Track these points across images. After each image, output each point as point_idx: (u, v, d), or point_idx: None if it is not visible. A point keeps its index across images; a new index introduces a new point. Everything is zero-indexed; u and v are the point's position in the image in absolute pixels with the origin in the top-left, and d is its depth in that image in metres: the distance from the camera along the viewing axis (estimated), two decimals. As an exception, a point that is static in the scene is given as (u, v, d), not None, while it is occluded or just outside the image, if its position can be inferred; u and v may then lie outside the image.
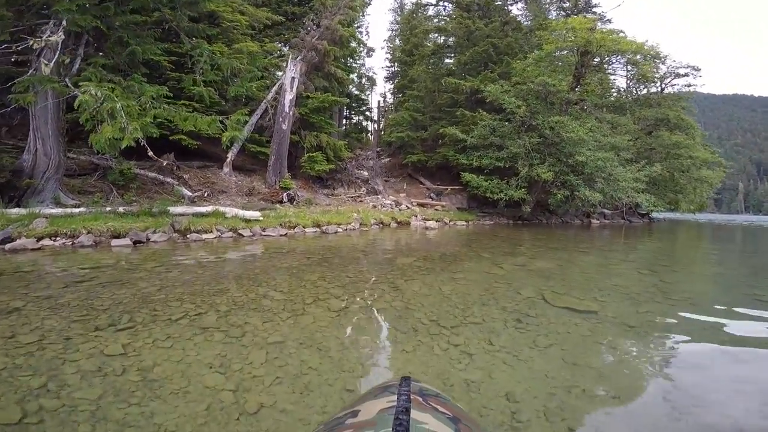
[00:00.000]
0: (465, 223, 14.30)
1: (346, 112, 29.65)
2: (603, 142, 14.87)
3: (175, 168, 12.96)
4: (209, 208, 10.08)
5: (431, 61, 23.95)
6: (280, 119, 14.09)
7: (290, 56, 15.18)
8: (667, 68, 22.94)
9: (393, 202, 15.20)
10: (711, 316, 4.08)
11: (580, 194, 13.70)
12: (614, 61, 19.36)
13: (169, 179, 11.95)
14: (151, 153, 7.95)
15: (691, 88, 23.93)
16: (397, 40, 33.80)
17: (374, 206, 14.66)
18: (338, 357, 2.77)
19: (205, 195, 12.31)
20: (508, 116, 15.18)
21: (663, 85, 24.43)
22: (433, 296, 4.35)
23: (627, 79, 24.88)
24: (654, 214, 26.98)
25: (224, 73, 10.96)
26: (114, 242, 7.81)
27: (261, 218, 10.21)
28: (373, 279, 5.16)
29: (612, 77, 24.27)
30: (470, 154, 15.25)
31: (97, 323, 3.43)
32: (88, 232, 7.99)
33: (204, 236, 8.87)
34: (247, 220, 9.98)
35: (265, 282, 4.85)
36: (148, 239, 8.35)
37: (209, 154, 15.71)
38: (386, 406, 0.49)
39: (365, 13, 32.97)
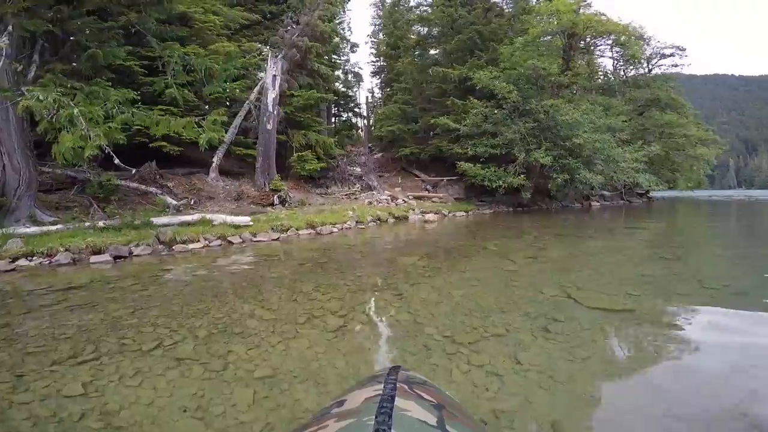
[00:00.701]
0: (464, 213, 13.81)
1: (334, 110, 28.96)
2: (598, 124, 14.43)
3: (158, 176, 12.33)
4: (195, 217, 9.50)
5: (416, 52, 23.33)
6: (265, 119, 13.47)
7: (270, 54, 14.52)
8: (653, 49, 22.56)
9: (389, 197, 14.67)
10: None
11: (581, 177, 13.26)
12: (600, 43, 18.87)
13: (152, 189, 11.31)
14: (117, 161, 7.38)
15: (678, 68, 23.60)
16: (381, 35, 33.05)
17: (370, 203, 14.12)
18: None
19: (192, 202, 11.70)
20: (500, 102, 14.66)
21: (650, 66, 24.06)
22: (443, 304, 3.83)
23: (614, 61, 24.46)
24: (652, 193, 26.68)
25: (199, 73, 10.32)
26: (93, 259, 7.26)
27: (251, 223, 9.64)
28: (374, 285, 4.64)
29: (599, 60, 23.86)
30: (464, 143, 14.73)
31: (56, 356, 2.93)
32: (66, 250, 7.44)
33: (191, 246, 8.30)
34: (237, 226, 9.41)
35: (251, 297, 4.32)
36: (130, 253, 7.81)
37: (195, 160, 15.06)
38: (372, 395, 0.49)
39: (346, 9, 32.21)
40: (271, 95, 13.56)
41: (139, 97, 8.76)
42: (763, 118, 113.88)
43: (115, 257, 7.41)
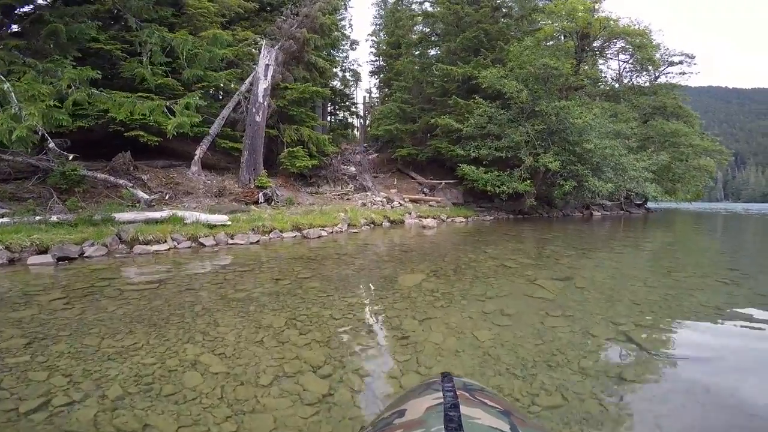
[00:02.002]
0: (464, 219, 12.71)
1: (330, 108, 27.83)
2: (608, 129, 13.46)
3: (132, 168, 11.05)
4: (165, 213, 8.26)
5: (418, 50, 22.32)
6: (254, 110, 12.26)
7: (264, 42, 13.34)
8: (661, 56, 21.72)
9: (384, 199, 13.52)
10: None
11: (590, 185, 12.24)
12: (612, 46, 17.96)
13: (121, 181, 10.04)
14: (52, 144, 6.16)
15: (686, 77, 22.78)
16: (382, 34, 32.02)
17: (363, 204, 12.96)
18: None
19: (167, 197, 10.44)
20: (508, 102, 13.61)
21: (657, 74, 23.22)
22: (467, 354, 2.69)
23: (620, 68, 23.63)
24: (649, 204, 25.92)
25: (180, 56, 9.09)
26: (32, 260, 6.08)
27: (228, 223, 8.43)
28: (371, 320, 3.47)
29: (607, 63, 23.05)
30: (466, 144, 13.65)
31: None
32: (6, 248, 6.21)
33: (154, 248, 7.08)
34: (212, 226, 8.20)
35: (201, 332, 3.14)
36: (81, 254, 6.59)
37: (179, 153, 13.80)
38: (433, 403, 0.47)
39: (348, 6, 31.18)
40: (262, 85, 12.37)
41: (99, 76, 7.48)
42: (753, 131, 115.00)
43: (60, 258, 6.21)
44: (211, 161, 14.57)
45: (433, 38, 21.85)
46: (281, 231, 8.61)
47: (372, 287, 4.40)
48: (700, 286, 4.72)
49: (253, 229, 8.42)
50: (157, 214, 8.23)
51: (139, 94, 9.98)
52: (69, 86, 6.72)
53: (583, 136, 12.42)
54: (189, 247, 7.31)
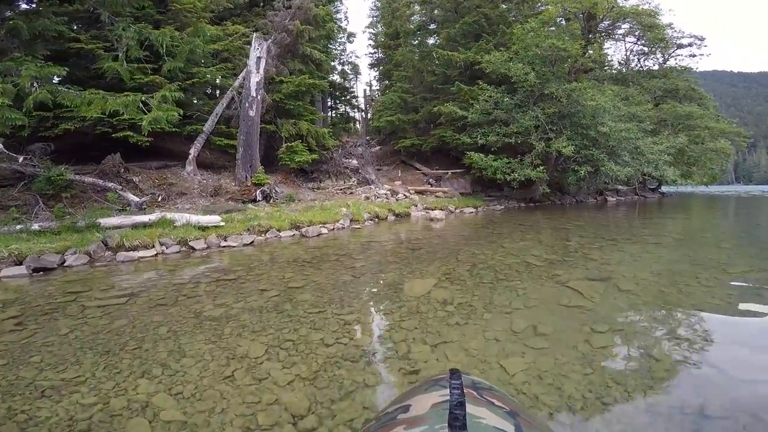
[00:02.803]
0: (473, 209, 11.92)
1: (330, 102, 27.04)
2: (622, 112, 12.55)
3: (122, 170, 10.44)
4: (153, 216, 7.62)
5: (417, 39, 21.43)
6: (247, 105, 11.56)
7: (255, 35, 12.60)
8: (670, 36, 20.55)
9: (388, 192, 12.79)
10: None
11: (606, 169, 11.38)
12: (619, 27, 16.90)
13: (110, 184, 9.42)
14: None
15: (696, 59, 21.58)
16: (379, 26, 31.05)
17: (367, 198, 12.25)
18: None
19: (159, 199, 9.83)
20: (514, 87, 12.74)
21: (666, 56, 22.04)
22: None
23: (626, 51, 22.47)
24: (663, 188, 24.84)
25: (160, 48, 8.37)
26: (6, 272, 5.55)
27: (222, 224, 7.78)
28: (370, 346, 2.76)
29: (607, 49, 21.91)
30: (472, 132, 12.82)
31: None
32: (-19, 260, 5.63)
33: (140, 254, 6.46)
34: (204, 228, 7.55)
35: (160, 362, 2.52)
36: (61, 264, 6.00)
37: (176, 153, 13.17)
38: (439, 400, 0.46)
39: (343, -1, 30.23)
40: (255, 78, 11.65)
41: (64, 72, 6.79)
42: (762, 114, 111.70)
43: (35, 269, 5.61)
44: (208, 160, 13.95)
45: (431, 26, 20.92)
46: (278, 230, 7.94)
47: (373, 299, 3.68)
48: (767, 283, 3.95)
49: (248, 230, 7.76)
50: (145, 218, 7.60)
51: (125, 93, 9.34)
52: (32, 84, 6.05)
53: (597, 119, 11.54)
54: (178, 252, 6.68)
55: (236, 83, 13.27)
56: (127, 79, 7.80)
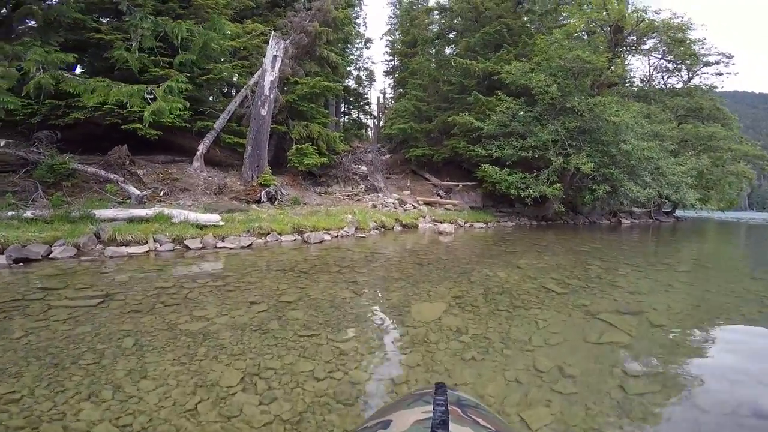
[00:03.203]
0: (483, 225, 11.39)
1: (344, 107, 26.81)
2: (645, 130, 12.00)
3: (127, 162, 10.15)
4: (150, 211, 7.27)
5: (435, 48, 21.15)
6: (259, 103, 11.26)
7: (272, 33, 12.36)
8: (699, 53, 19.92)
9: (396, 201, 12.33)
10: None
11: (626, 190, 10.79)
12: (647, 42, 16.34)
13: (112, 176, 9.12)
14: None
15: (722, 78, 20.81)
16: (397, 34, 30.92)
17: (374, 206, 11.81)
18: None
19: (161, 194, 9.50)
20: (534, 99, 12.26)
21: (690, 74, 21.36)
22: None
23: (650, 67, 21.86)
24: (678, 213, 24.01)
25: (174, 40, 8.09)
26: None
27: (221, 223, 7.39)
28: (369, 385, 2.30)
29: (630, 65, 21.35)
30: (487, 144, 12.35)
31: None
32: (-37, 247, 5.32)
33: (131, 249, 6.09)
34: (202, 226, 7.16)
35: (114, 383, 2.13)
36: (47, 255, 5.66)
37: (186, 149, 12.88)
38: (422, 417, 0.43)
39: (363, 4, 30.20)
40: (269, 77, 11.36)
41: (73, 60, 6.50)
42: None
43: (17, 260, 5.27)
44: (217, 158, 13.68)
45: (450, 35, 20.63)
46: (280, 234, 7.52)
47: (376, 323, 3.20)
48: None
49: (247, 231, 7.36)
50: (142, 212, 7.25)
51: (139, 85, 9.06)
52: (37, 69, 5.76)
53: (620, 136, 11.00)
54: (171, 250, 6.29)
55: (251, 81, 13.02)
56: (135, 68, 7.51)
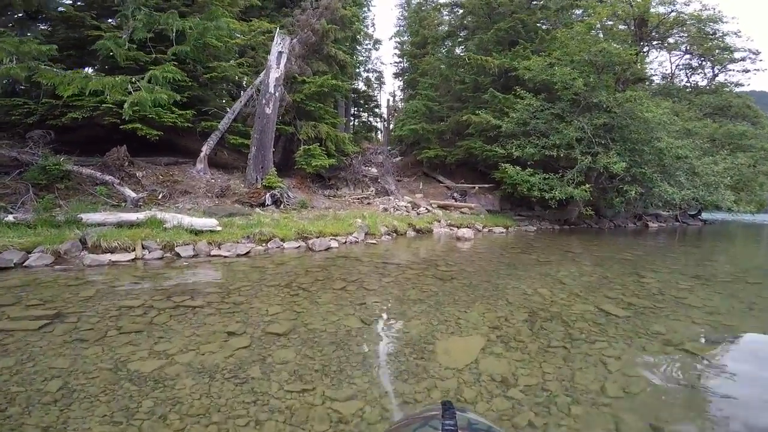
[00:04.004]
0: (503, 229, 10.44)
1: (354, 110, 26.14)
2: (677, 127, 10.96)
3: (126, 164, 9.52)
4: (142, 215, 6.56)
5: (446, 47, 20.35)
6: (264, 101, 10.56)
7: (277, 29, 11.70)
8: (730, 47, 18.70)
9: (409, 205, 11.48)
10: None
11: (661, 191, 9.74)
12: (674, 36, 15.26)
13: (107, 177, 8.48)
14: None
15: (748, 75, 19.56)
16: (406, 36, 30.19)
17: (385, 209, 10.98)
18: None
19: (159, 197, 8.83)
20: (559, 94, 11.31)
21: (716, 71, 20.12)
22: None
23: (672, 65, 20.66)
24: (704, 215, 22.62)
25: (169, 32, 7.43)
26: None
27: (218, 228, 6.63)
28: None
29: (652, 61, 20.24)
30: (506, 143, 11.42)
31: None
32: (-70, 255, 4.69)
33: (114, 257, 5.38)
34: (197, 232, 6.41)
35: None
36: (21, 263, 5.00)
37: (191, 151, 12.23)
38: None
39: (371, 6, 29.57)
40: (274, 74, 10.66)
41: (52, 50, 5.81)
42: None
43: (-17, 270, 4.58)
44: (223, 159, 13.05)
45: (461, 32, 19.76)
46: (282, 240, 6.74)
47: (390, 369, 2.34)
48: None
49: (247, 237, 6.59)
50: (132, 216, 6.54)
51: (121, 76, 8.37)
52: (10, 60, 5.10)
53: (652, 134, 9.97)
54: (160, 259, 5.55)
55: (257, 80, 12.39)
56: (121, 60, 6.81)
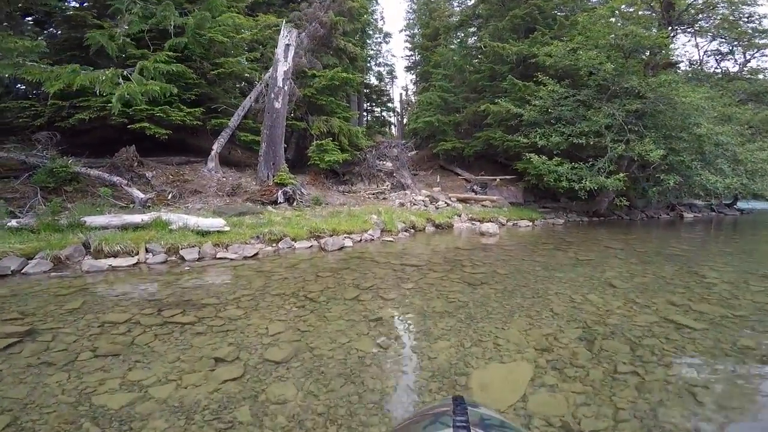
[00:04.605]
0: (529, 223, 9.72)
1: (366, 105, 25.60)
2: (715, 113, 10.03)
3: (136, 164, 9.27)
4: (147, 217, 6.22)
5: (459, 38, 19.56)
6: (272, 96, 10.13)
7: (284, 21, 11.25)
8: (757, 35, 17.37)
9: (426, 198, 10.88)
10: None
11: (702, 179, 8.86)
12: (705, 19, 14.09)
13: (115, 178, 8.22)
14: None
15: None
16: (416, 28, 29.34)
17: (402, 204, 10.43)
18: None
19: (169, 197, 8.52)
20: (586, 79, 10.49)
21: (748, 57, 18.74)
22: None
23: (699, 51, 19.31)
24: (740, 204, 21.18)
25: (168, 24, 7.02)
26: None
27: (226, 228, 6.22)
28: None
29: (677, 48, 18.90)
30: (529, 132, 10.67)
31: None
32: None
33: (115, 262, 5.03)
34: (204, 233, 6.02)
35: None
36: (19, 270, 4.73)
37: (203, 150, 11.95)
38: None
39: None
40: (282, 67, 10.22)
41: (39, 47, 5.44)
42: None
43: (-25, 279, 4.27)
44: (237, 158, 12.75)
45: (475, 22, 18.89)
46: (294, 239, 6.29)
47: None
48: None
49: (257, 237, 6.17)
50: (137, 218, 6.20)
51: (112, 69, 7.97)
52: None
53: (691, 119, 9.08)
54: (164, 262, 5.17)
55: (266, 76, 11.98)
56: (113, 53, 6.41)
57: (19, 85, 11.18)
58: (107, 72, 5.15)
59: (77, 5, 10.47)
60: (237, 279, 4.08)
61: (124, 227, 6.07)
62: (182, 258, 5.29)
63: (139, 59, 6.93)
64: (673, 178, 8.96)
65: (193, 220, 6.15)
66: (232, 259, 5.24)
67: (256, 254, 5.48)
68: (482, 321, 2.83)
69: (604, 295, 3.50)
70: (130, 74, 5.41)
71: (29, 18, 8.53)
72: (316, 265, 4.76)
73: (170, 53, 9.28)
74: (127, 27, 6.43)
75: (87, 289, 3.81)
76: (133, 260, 5.14)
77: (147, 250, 5.44)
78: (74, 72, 4.99)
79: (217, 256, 5.34)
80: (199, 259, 5.23)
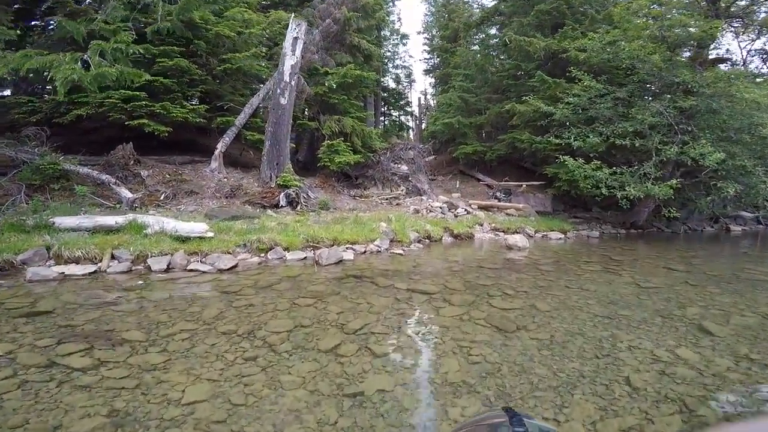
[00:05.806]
0: (561, 235, 8.43)
1: (384, 108, 24.68)
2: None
3: (131, 162, 8.58)
4: (121, 219, 5.38)
5: (479, 37, 18.42)
6: (278, 91, 9.29)
7: (292, 15, 10.45)
8: None
9: (444, 205, 9.74)
10: None
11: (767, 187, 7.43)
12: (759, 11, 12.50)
13: (105, 177, 7.51)
14: None
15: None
16: (434, 30, 28.31)
17: (417, 211, 9.34)
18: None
19: (162, 197, 7.75)
20: (628, 74, 9.19)
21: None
22: None
23: (742, 49, 17.51)
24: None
25: (156, 8, 6.26)
26: None
27: (209, 234, 5.30)
28: None
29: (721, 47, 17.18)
30: (561, 132, 9.42)
31: None
32: None
33: (71, 270, 4.18)
34: (184, 239, 5.12)
35: None
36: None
37: (210, 149, 11.16)
38: None
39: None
40: (290, 61, 9.38)
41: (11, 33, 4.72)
42: None
43: None
44: (246, 159, 11.96)
45: (496, 17, 17.69)
46: (286, 249, 5.31)
47: None
48: None
49: (243, 245, 5.23)
50: (110, 220, 5.37)
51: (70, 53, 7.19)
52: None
53: (753, 119, 7.67)
54: (127, 272, 4.29)
55: (276, 73, 11.20)
56: (79, 37, 5.64)
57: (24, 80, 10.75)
58: (65, 56, 4.35)
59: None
60: (191, 302, 3.11)
61: (97, 230, 5.26)
62: (149, 268, 4.39)
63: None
64: (733, 186, 7.54)
65: (172, 224, 5.27)
66: (203, 272, 4.29)
67: (234, 267, 4.53)
68: (523, 402, 1.71)
69: (701, 348, 2.34)
70: (90, 56, 4.59)
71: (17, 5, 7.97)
72: (300, 287, 3.73)
73: (188, 55, 8.52)
74: (108, 12, 5.66)
75: (10, 308, 2.91)
76: (93, 268, 4.28)
77: (113, 257, 4.58)
78: (25, 57, 4.22)
79: (189, 267, 4.41)
80: (167, 270, 4.32)
